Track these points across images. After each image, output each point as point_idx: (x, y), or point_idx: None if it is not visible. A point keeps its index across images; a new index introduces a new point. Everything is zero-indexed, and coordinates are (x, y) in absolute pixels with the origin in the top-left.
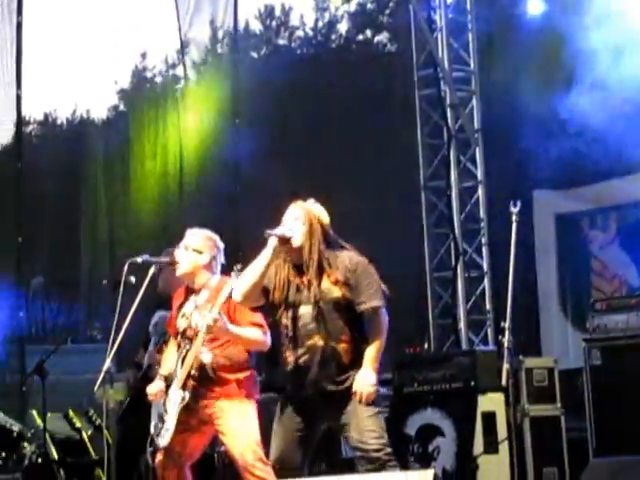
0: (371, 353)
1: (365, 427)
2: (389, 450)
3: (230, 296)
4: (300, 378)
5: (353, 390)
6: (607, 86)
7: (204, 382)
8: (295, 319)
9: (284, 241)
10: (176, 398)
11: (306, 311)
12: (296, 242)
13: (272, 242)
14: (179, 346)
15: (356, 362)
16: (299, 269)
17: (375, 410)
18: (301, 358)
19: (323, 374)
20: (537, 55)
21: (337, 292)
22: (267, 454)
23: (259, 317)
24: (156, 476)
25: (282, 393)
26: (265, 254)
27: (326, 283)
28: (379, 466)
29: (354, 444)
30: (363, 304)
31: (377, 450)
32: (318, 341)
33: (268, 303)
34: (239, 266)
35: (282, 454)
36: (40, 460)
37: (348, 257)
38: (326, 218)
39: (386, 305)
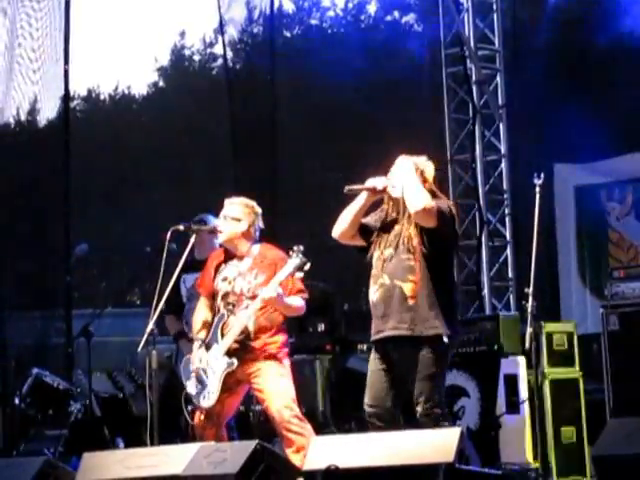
0: None
1: (417, 388)
2: (438, 411)
3: (292, 275)
4: (374, 315)
5: None
6: None
7: (245, 344)
8: (379, 260)
9: (375, 191)
10: (221, 363)
11: (388, 253)
12: (394, 193)
13: (363, 193)
14: (218, 309)
15: (431, 306)
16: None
17: (433, 370)
18: (374, 295)
19: (389, 311)
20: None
21: (417, 236)
22: (301, 411)
23: (300, 283)
24: (195, 434)
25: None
26: (357, 200)
27: (412, 229)
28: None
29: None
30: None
31: (425, 414)
32: (386, 280)
33: (367, 243)
34: (301, 247)
35: (373, 399)
36: (85, 417)
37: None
38: (430, 172)
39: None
